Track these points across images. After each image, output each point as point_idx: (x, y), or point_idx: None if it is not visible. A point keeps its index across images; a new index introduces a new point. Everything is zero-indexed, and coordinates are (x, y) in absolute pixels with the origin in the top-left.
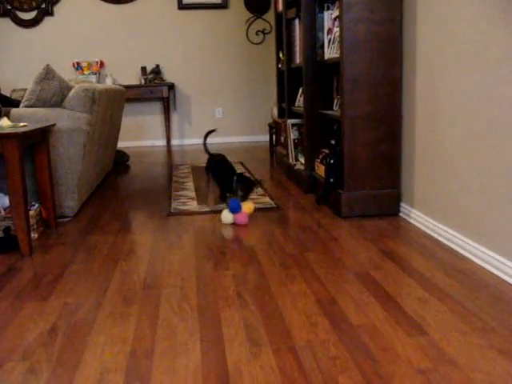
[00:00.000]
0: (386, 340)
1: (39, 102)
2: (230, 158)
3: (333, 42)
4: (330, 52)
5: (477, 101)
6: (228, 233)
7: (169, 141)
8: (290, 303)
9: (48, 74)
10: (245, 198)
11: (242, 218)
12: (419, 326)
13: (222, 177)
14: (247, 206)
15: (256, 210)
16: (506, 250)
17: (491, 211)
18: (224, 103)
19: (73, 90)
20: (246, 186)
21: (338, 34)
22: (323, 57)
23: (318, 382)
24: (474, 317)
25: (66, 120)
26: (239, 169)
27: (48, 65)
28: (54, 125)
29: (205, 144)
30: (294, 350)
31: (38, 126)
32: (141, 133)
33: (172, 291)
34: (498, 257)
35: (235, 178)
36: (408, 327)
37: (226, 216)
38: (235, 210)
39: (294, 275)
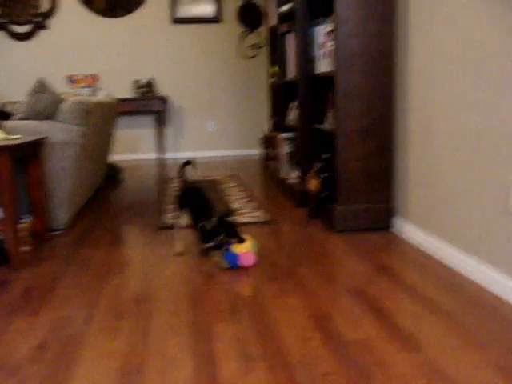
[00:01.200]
0: (380, 356)
1: (32, 115)
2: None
3: (326, 56)
4: (324, 66)
5: (471, 114)
6: None
7: (162, 154)
8: (283, 318)
9: (40, 87)
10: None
11: (247, 259)
12: (414, 341)
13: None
14: (244, 246)
15: (248, 226)
16: (501, 266)
17: (486, 226)
18: (217, 117)
19: (66, 103)
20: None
21: (331, 48)
22: (317, 71)
23: None
24: (469, 332)
25: (59, 133)
26: (228, 185)
27: (41, 78)
28: (46, 137)
29: (182, 172)
30: (287, 367)
31: (31, 138)
32: (134, 146)
33: (163, 305)
34: (492, 272)
35: (201, 226)
36: (402, 343)
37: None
38: (234, 263)
39: (287, 290)
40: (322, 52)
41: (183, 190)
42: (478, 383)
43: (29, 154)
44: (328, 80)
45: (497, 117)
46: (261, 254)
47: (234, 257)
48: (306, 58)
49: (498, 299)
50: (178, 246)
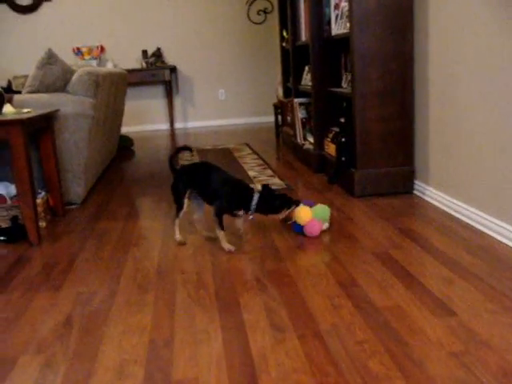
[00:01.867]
0: (414, 322)
1: (42, 88)
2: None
3: (340, 18)
4: (338, 28)
5: (494, 72)
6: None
7: (172, 124)
8: (310, 286)
9: (50, 58)
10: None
11: (312, 228)
12: (446, 306)
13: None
14: (306, 216)
15: None
16: None
17: None
18: (227, 85)
19: (76, 74)
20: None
21: (346, 8)
22: (330, 33)
23: (348, 368)
24: (502, 296)
25: (71, 105)
26: (244, 154)
27: (50, 49)
28: (58, 110)
29: (171, 160)
30: (319, 335)
31: (42, 111)
32: (144, 117)
33: (187, 277)
34: None
35: (256, 194)
36: (435, 308)
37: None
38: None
39: (312, 257)
40: (336, 13)
41: (181, 173)
42: None
43: (41, 128)
44: (343, 42)
45: None
46: (281, 221)
47: (299, 228)
48: (319, 20)
49: None
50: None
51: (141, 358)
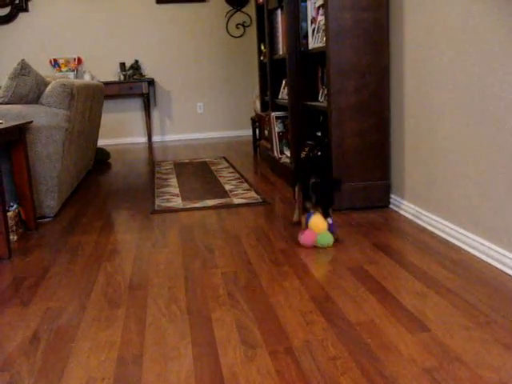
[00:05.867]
0: (387, 338)
1: (15, 99)
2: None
3: (317, 31)
4: (315, 41)
5: (469, 87)
6: (215, 229)
7: (150, 137)
8: (283, 301)
9: (23, 69)
10: (324, 210)
11: (305, 237)
12: (420, 321)
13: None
14: (316, 222)
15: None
16: (504, 240)
17: (487, 200)
18: (205, 98)
19: (50, 86)
20: (323, 195)
21: (322, 22)
22: (307, 47)
23: None
24: (476, 310)
25: (44, 117)
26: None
27: (23, 60)
28: (30, 122)
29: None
30: (291, 352)
31: (14, 123)
32: (121, 130)
33: (159, 292)
34: (495, 247)
35: (311, 183)
36: (409, 323)
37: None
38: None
39: (286, 272)
40: (313, 27)
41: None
42: (488, 362)
43: (13, 140)
44: (320, 56)
45: (500, 85)
46: (256, 235)
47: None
48: (296, 33)
49: (502, 275)
50: (295, 215)
51: (109, 375)
